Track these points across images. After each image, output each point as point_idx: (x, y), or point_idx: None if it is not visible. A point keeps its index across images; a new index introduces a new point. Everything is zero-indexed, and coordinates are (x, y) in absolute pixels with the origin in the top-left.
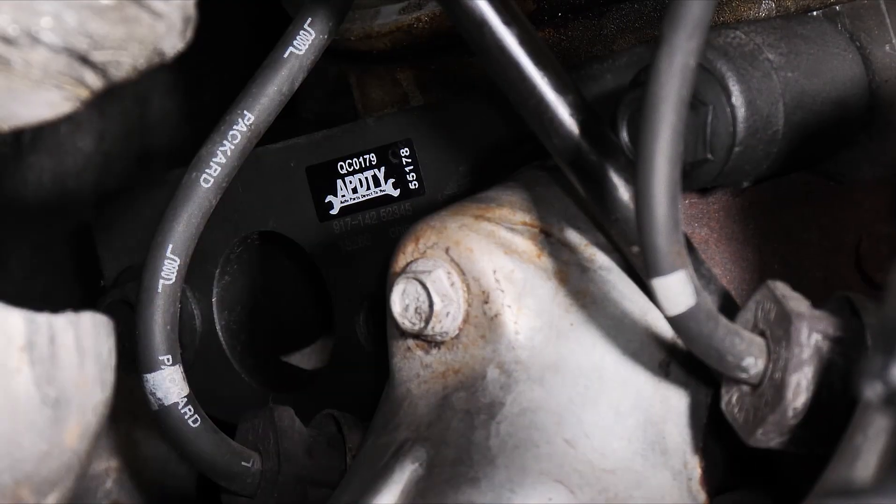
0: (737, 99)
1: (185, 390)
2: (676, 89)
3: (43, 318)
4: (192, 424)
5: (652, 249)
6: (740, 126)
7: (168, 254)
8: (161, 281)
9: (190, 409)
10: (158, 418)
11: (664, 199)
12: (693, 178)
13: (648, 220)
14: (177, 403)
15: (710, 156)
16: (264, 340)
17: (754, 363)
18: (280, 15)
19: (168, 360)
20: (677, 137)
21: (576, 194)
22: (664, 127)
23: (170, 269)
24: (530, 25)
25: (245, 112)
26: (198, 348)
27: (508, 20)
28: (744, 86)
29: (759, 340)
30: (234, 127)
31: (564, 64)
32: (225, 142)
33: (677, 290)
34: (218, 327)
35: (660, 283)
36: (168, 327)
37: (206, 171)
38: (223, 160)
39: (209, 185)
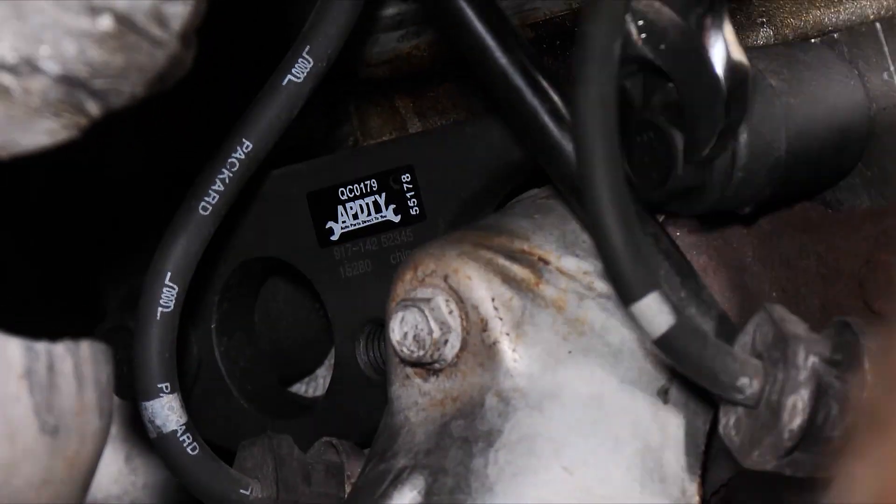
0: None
1: (184, 418)
2: (600, 118)
3: (42, 346)
4: (190, 452)
5: (618, 277)
6: (742, 151)
7: (167, 281)
8: (159, 309)
9: (188, 437)
10: (157, 446)
11: (617, 227)
12: (693, 202)
13: (608, 250)
14: (175, 431)
15: (710, 175)
16: (264, 367)
17: (749, 384)
18: (281, 41)
19: (166, 387)
20: (613, 164)
21: (577, 220)
22: (597, 156)
23: (168, 296)
24: (532, 52)
25: (244, 140)
26: (197, 375)
27: (509, 47)
28: (746, 111)
29: (754, 361)
30: (233, 155)
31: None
32: (224, 169)
33: (654, 311)
34: (217, 354)
35: (636, 309)
36: (167, 355)
37: (205, 198)
38: (222, 188)
39: (208, 212)
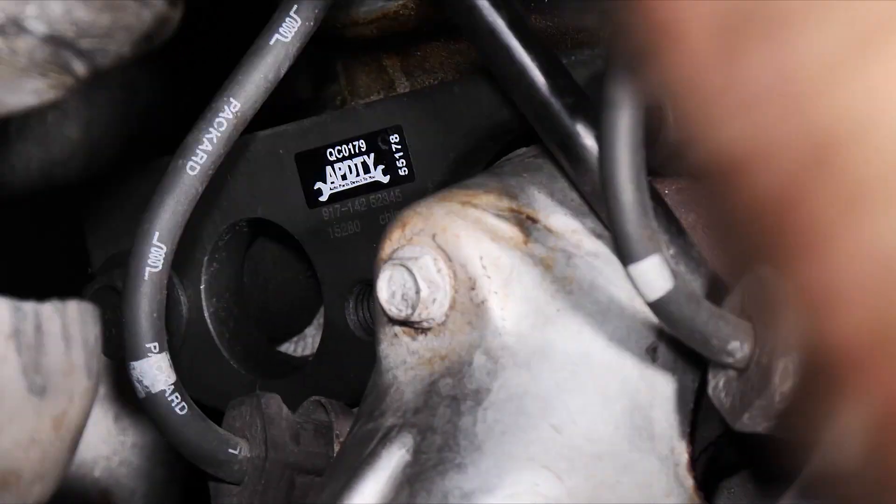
0: None
1: (172, 378)
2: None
3: (29, 307)
4: (178, 412)
5: (623, 237)
6: None
7: (154, 241)
8: (147, 269)
9: (177, 397)
10: (145, 406)
11: (629, 186)
12: (685, 159)
13: (616, 208)
14: (164, 391)
15: None
16: (253, 327)
17: (740, 347)
18: (268, 2)
19: (154, 347)
20: (636, 124)
21: (565, 178)
22: (621, 114)
23: (156, 256)
24: (520, 9)
25: (231, 99)
26: (186, 335)
27: (498, 4)
28: None
29: (744, 324)
30: (220, 114)
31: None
32: (211, 129)
33: (653, 274)
34: (206, 314)
35: (635, 269)
36: (154, 315)
37: (193, 158)
38: (209, 147)
39: (195, 172)
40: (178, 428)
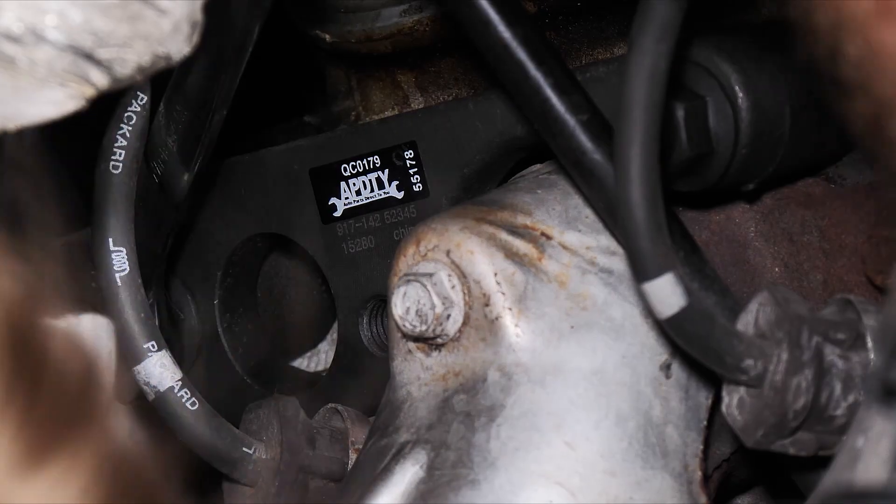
0: (742, 101)
1: (178, 374)
2: (647, 93)
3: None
4: (189, 407)
5: (637, 254)
6: (745, 126)
7: (112, 247)
8: (116, 274)
9: (186, 393)
10: (157, 407)
11: (644, 204)
12: (698, 175)
13: (630, 226)
14: (172, 388)
15: (714, 147)
16: (267, 343)
17: (754, 365)
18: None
19: (153, 346)
20: (652, 141)
21: (580, 195)
22: (637, 131)
23: (120, 259)
24: (535, 26)
25: (138, 93)
26: (200, 350)
27: (513, 21)
28: (750, 88)
29: (758, 342)
30: (129, 108)
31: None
32: (122, 125)
33: (667, 291)
34: (220, 329)
35: (649, 287)
36: (142, 315)
37: (112, 158)
38: (124, 143)
39: (119, 170)
40: (191, 423)
